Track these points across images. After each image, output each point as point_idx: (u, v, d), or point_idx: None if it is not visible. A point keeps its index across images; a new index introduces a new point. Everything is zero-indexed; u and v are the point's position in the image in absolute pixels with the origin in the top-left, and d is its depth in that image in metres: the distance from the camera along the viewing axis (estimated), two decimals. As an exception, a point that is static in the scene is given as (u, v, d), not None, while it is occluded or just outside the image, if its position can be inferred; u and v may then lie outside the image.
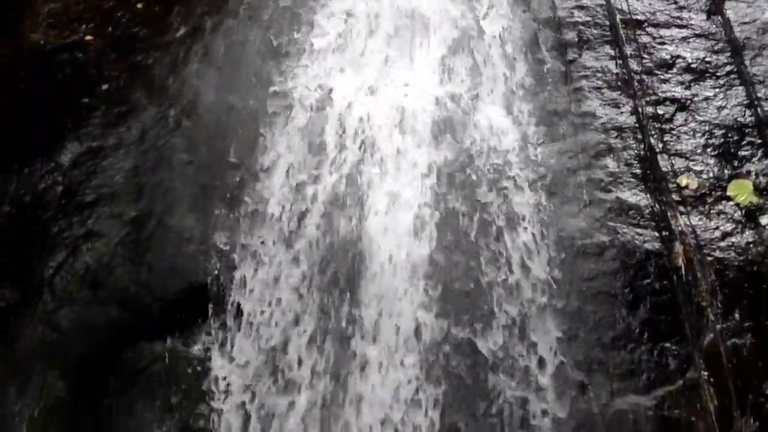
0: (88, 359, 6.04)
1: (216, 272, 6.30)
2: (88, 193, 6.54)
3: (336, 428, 5.56)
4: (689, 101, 6.64)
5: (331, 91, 6.87)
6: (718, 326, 5.54)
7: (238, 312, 6.07)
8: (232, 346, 5.99)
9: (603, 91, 6.86)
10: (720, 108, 6.55)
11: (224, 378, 5.94)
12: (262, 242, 6.31)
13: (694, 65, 6.85)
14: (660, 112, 6.61)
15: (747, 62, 6.73)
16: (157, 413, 5.85)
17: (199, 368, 5.97)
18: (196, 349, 6.06)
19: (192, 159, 6.71)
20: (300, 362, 5.78)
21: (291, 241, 6.26)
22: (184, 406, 5.84)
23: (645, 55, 6.95)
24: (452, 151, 6.51)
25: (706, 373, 5.48)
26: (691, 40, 7.02)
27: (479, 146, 6.56)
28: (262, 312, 6.08)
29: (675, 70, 6.86)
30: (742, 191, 6.01)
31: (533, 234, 6.25)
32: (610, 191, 6.28)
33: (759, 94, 6.51)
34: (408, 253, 6.02)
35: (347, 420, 5.58)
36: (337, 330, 5.82)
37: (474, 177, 6.39)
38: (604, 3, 7.30)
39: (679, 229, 5.98)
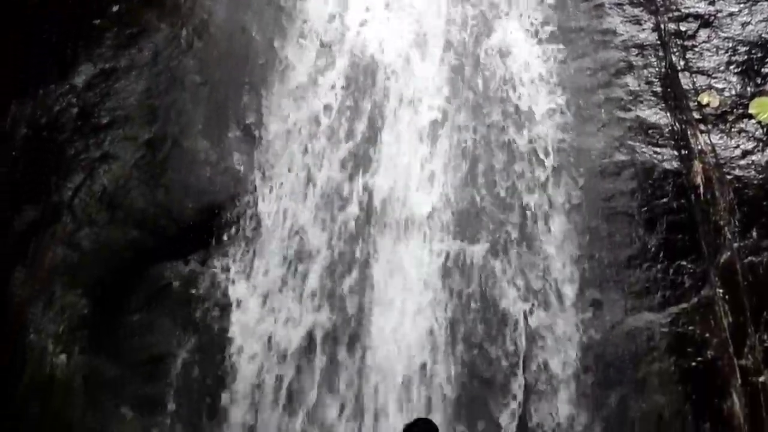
0: (109, 279, 6.12)
1: (232, 193, 6.32)
2: (102, 115, 6.51)
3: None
4: (713, 17, 6.45)
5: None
6: (735, 244, 5.52)
7: (255, 231, 6.10)
8: (250, 266, 6.04)
9: (624, 7, 6.68)
10: (744, 24, 6.37)
11: (241, 296, 6.01)
12: (277, 163, 6.29)
13: (719, -21, 6.63)
14: (682, 28, 6.44)
15: (774, -25, 6.51)
16: (178, 331, 5.95)
17: (217, 287, 6.04)
18: (214, 268, 6.13)
19: (205, 80, 6.64)
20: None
21: (307, 163, 6.24)
22: (203, 323, 5.94)
23: (668, -31, 6.73)
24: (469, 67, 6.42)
25: (721, 291, 5.49)
26: (716, -48, 6.77)
27: (494, 64, 6.45)
28: (280, 232, 6.11)
29: (699, -16, 6.65)
30: (764, 109, 5.89)
31: (550, 157, 6.20)
32: (629, 110, 6.19)
33: (786, 9, 6.32)
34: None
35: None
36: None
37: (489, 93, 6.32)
38: None
39: (699, 147, 5.90)
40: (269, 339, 5.78)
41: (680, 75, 6.21)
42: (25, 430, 5.60)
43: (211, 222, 6.26)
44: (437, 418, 5.05)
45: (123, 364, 5.89)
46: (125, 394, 5.77)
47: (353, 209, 6.01)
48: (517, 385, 5.37)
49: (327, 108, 6.42)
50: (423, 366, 5.48)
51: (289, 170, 6.28)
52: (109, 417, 5.70)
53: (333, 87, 6.51)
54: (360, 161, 6.22)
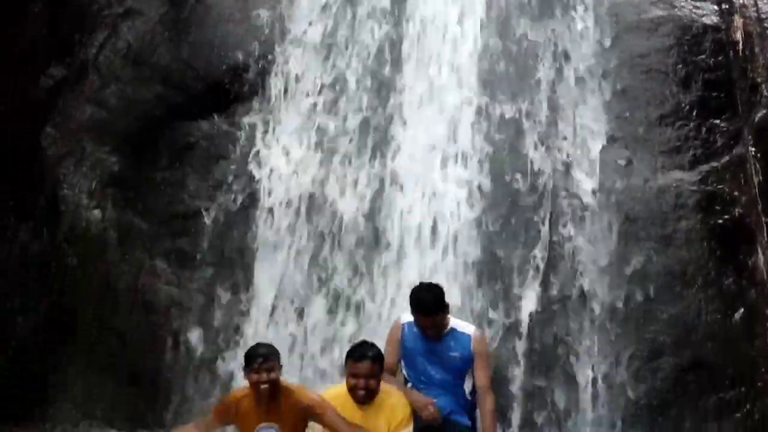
0: (137, 136, 6.16)
1: (257, 50, 6.24)
2: (124, -31, 6.36)
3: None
4: None
5: None
6: (772, 102, 5.39)
7: (280, 88, 6.05)
8: (275, 124, 6.03)
9: None
10: None
11: (268, 153, 6.03)
12: (302, 18, 6.15)
13: None
14: None
15: None
16: (206, 187, 6.03)
17: (244, 143, 6.07)
18: (241, 125, 6.13)
19: (228, -68, 6.41)
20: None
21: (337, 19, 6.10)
22: (231, 179, 5.99)
23: None
24: None
25: (753, 149, 5.41)
26: None
27: None
28: (306, 90, 6.06)
29: None
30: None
31: (584, 11, 6.00)
32: (668, -38, 5.92)
33: None
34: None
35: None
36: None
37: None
38: None
39: (740, 1, 5.66)
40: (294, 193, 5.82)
41: None
42: (66, 279, 5.81)
43: (236, 79, 6.21)
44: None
45: (154, 219, 6.01)
46: (157, 248, 5.93)
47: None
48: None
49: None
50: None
51: (310, 24, 6.12)
52: (142, 269, 5.87)
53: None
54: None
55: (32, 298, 5.74)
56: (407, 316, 4.69)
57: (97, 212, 6.01)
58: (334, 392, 4.46)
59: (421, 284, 4.62)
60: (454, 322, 4.67)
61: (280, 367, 4.40)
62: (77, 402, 5.49)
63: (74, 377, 5.55)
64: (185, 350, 5.58)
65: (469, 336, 4.58)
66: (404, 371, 4.72)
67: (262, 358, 4.26)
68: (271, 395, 4.30)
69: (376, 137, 5.83)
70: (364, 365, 4.26)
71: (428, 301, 4.43)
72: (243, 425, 4.36)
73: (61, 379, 5.55)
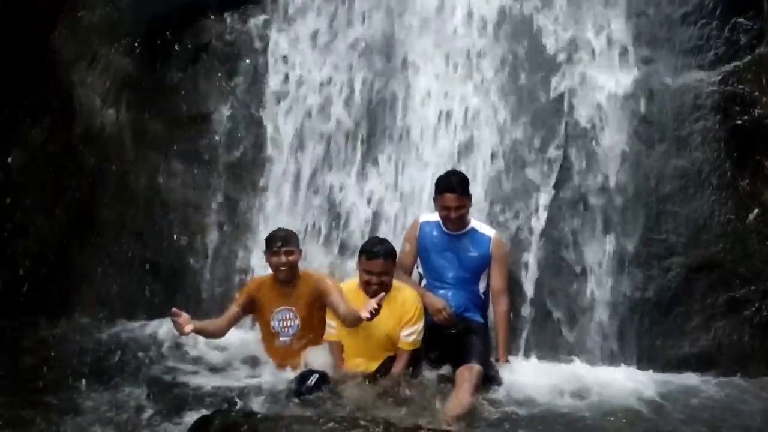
0: (150, 38, 6.10)
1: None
2: None
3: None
4: None
5: None
6: (798, -2, 5.23)
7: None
8: (291, 22, 5.95)
9: None
10: None
11: (283, 56, 5.97)
12: None
13: None
14: None
15: None
16: (221, 88, 6.00)
17: (256, 44, 6.00)
18: (256, 27, 6.05)
19: None
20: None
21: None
22: (245, 80, 5.97)
23: None
24: None
25: (777, 48, 5.30)
26: None
27: None
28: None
29: None
30: None
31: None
32: None
33: None
34: None
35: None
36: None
37: None
38: None
39: None
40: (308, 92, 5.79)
41: None
42: (83, 179, 5.88)
43: (249, -23, 6.09)
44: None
45: (168, 121, 6.03)
46: (173, 149, 5.96)
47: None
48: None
49: None
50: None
51: None
52: (158, 170, 5.92)
53: None
54: None
55: (50, 197, 5.83)
56: (426, 215, 4.75)
57: (111, 112, 6.03)
58: (348, 286, 4.56)
59: (449, 171, 4.80)
60: (475, 222, 4.74)
61: (300, 251, 4.49)
62: (97, 296, 5.65)
63: (94, 273, 5.70)
64: (202, 248, 5.68)
65: (489, 238, 4.68)
66: (420, 269, 4.80)
67: (281, 241, 4.36)
68: (290, 280, 4.42)
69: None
70: (377, 263, 4.34)
71: (455, 180, 4.59)
72: (262, 310, 4.50)
73: (82, 274, 5.71)
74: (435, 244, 4.71)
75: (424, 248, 4.76)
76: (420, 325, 4.48)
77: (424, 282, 4.80)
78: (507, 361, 4.73)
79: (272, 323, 4.48)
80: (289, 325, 4.48)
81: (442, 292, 4.65)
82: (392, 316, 4.41)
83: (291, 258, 4.43)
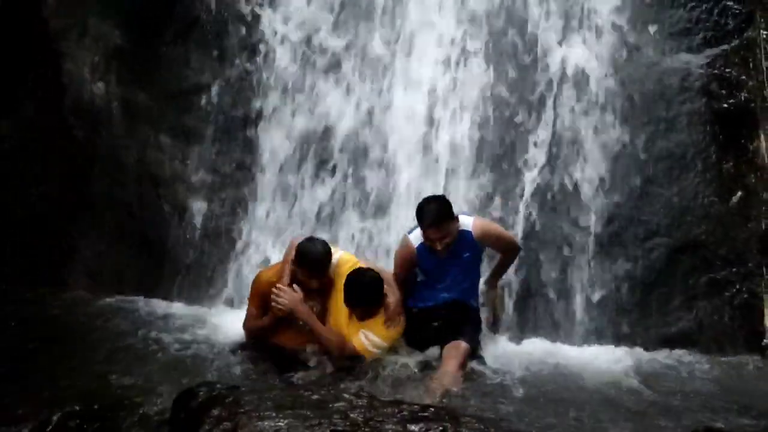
0: (141, 10, 6.07)
1: None
2: None
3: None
4: None
5: None
6: (788, -19, 5.26)
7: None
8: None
9: None
10: None
11: (272, 29, 5.97)
12: None
13: None
14: None
15: None
16: (210, 62, 6.00)
17: (249, 19, 6.00)
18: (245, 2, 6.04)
19: None
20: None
21: None
22: (235, 54, 5.96)
23: None
24: None
25: (765, 32, 5.34)
26: None
27: None
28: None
29: None
30: None
31: None
32: None
33: None
34: None
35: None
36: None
37: None
38: None
39: None
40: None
41: None
42: (73, 152, 5.88)
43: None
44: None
45: (158, 95, 6.03)
46: (162, 123, 5.97)
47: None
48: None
49: None
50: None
51: None
52: (148, 144, 5.93)
53: None
54: None
55: (41, 169, 5.84)
56: (416, 235, 4.49)
57: (101, 85, 6.01)
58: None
59: (426, 198, 4.52)
60: (460, 221, 4.53)
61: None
62: (88, 269, 5.68)
63: (85, 246, 5.72)
64: (192, 223, 5.71)
65: (470, 231, 4.51)
66: (420, 276, 4.67)
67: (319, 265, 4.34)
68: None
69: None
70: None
71: (430, 214, 4.32)
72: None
73: (73, 247, 5.73)
74: (433, 261, 4.50)
75: (423, 267, 4.58)
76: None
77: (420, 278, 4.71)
78: (494, 288, 4.82)
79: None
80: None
81: (436, 291, 4.58)
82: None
83: (323, 279, 4.44)
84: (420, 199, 4.49)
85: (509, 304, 5.10)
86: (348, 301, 4.30)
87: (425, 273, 4.59)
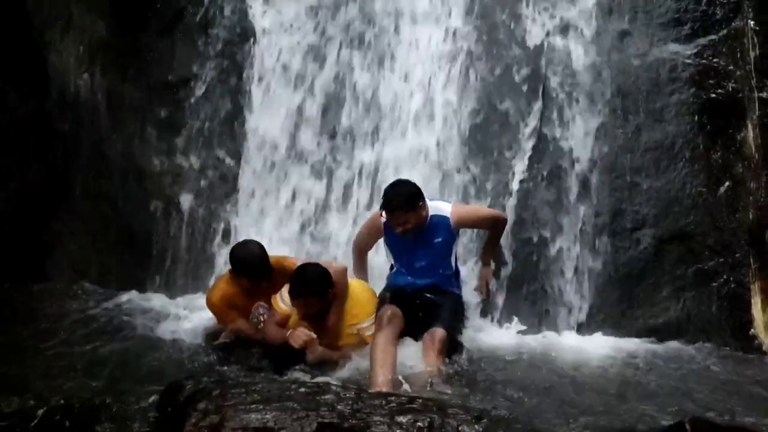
0: (127, 2, 6.02)
1: None
2: None
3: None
4: None
5: None
6: (774, -25, 5.25)
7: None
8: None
9: None
10: None
11: (261, 24, 5.94)
12: None
13: None
14: None
15: None
16: (196, 55, 5.95)
17: (235, 12, 5.96)
18: (233, -8, 5.99)
19: None
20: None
21: None
22: (222, 46, 5.93)
23: None
24: None
25: (752, 22, 5.34)
26: None
27: None
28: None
29: None
30: None
31: None
32: None
33: None
34: None
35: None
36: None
37: None
38: None
39: None
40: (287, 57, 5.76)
41: None
42: (58, 144, 5.82)
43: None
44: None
45: (144, 87, 5.98)
46: (148, 116, 5.93)
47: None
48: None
49: None
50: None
51: None
52: (133, 137, 5.88)
53: None
54: None
55: (25, 161, 5.77)
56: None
57: (86, 77, 5.96)
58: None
59: (393, 182, 4.56)
60: (431, 206, 4.57)
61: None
62: (72, 263, 5.63)
63: (69, 239, 5.68)
64: (177, 216, 5.67)
65: (447, 217, 4.54)
66: (389, 257, 4.74)
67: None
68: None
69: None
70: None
71: (396, 199, 4.37)
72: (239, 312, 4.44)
73: (57, 240, 5.68)
74: (401, 242, 4.56)
75: (391, 246, 4.66)
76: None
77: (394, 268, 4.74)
78: (487, 264, 4.90)
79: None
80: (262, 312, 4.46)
81: (410, 278, 4.61)
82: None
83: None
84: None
85: (499, 293, 5.07)
86: (291, 291, 4.22)
87: (393, 253, 4.65)
